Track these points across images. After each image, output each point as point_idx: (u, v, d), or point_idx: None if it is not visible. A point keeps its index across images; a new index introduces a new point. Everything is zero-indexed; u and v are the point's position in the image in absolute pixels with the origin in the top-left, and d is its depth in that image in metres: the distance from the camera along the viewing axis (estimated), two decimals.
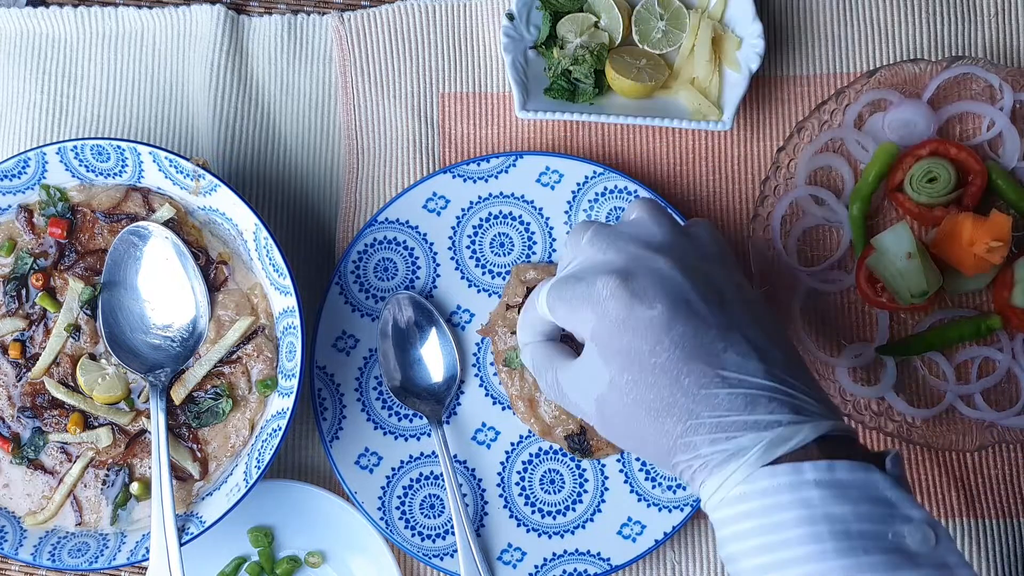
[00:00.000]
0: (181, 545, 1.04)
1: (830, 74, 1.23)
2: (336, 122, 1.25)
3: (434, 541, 1.16)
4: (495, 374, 1.19)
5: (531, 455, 1.19)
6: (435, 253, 1.20)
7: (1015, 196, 1.15)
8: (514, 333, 1.17)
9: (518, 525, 1.17)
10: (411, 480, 1.18)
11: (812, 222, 1.20)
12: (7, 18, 1.26)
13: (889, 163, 1.16)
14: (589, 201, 1.19)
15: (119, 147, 1.11)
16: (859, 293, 1.18)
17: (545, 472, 1.18)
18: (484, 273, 1.20)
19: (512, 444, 1.19)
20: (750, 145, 1.23)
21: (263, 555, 1.18)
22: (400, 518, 1.16)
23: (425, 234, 1.20)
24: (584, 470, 1.18)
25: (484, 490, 1.18)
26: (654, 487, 1.17)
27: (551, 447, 1.19)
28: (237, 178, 1.24)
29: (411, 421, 1.19)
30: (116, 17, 1.26)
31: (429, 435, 1.19)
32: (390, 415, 1.19)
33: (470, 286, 1.20)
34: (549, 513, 1.17)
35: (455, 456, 1.19)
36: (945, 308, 1.19)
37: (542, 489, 1.18)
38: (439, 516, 1.17)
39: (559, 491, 1.18)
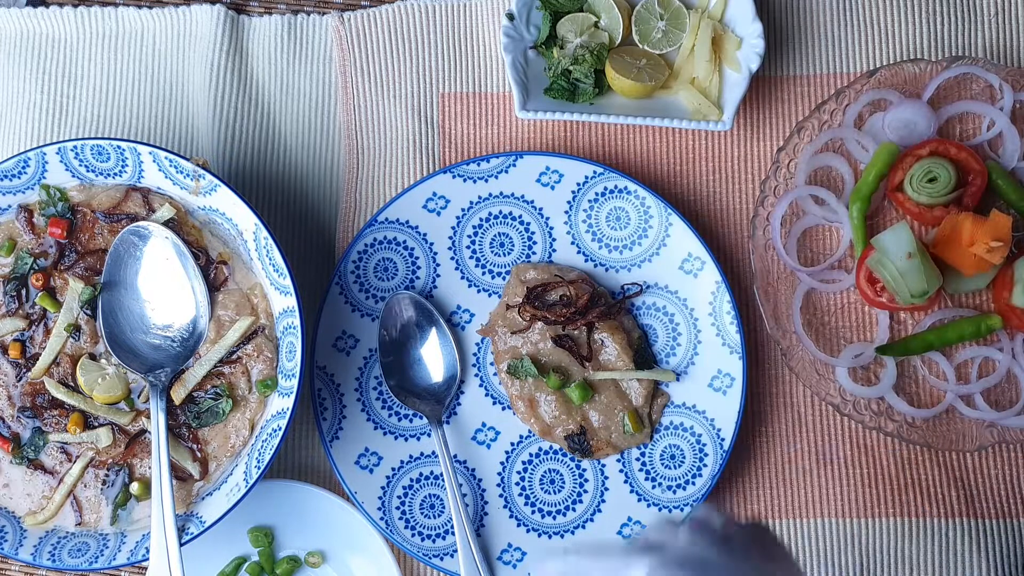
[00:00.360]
0: (181, 545, 1.04)
1: (830, 74, 1.23)
2: (336, 122, 1.25)
3: (434, 541, 1.16)
4: (495, 374, 1.19)
5: (531, 455, 1.19)
6: (435, 253, 1.20)
7: (1015, 196, 1.15)
8: (514, 333, 1.17)
9: (518, 525, 1.17)
10: (411, 480, 1.18)
11: (812, 222, 1.20)
12: (7, 18, 1.26)
13: (889, 163, 1.16)
14: (589, 201, 1.19)
15: (119, 147, 1.10)
16: (859, 293, 1.18)
17: (545, 472, 1.18)
18: (484, 273, 1.20)
19: (512, 444, 1.19)
20: (750, 145, 1.23)
21: (263, 555, 1.18)
22: (400, 518, 1.16)
23: (425, 234, 1.20)
24: (584, 470, 1.18)
25: (484, 490, 1.18)
26: (654, 487, 1.17)
27: (551, 447, 1.19)
28: (237, 178, 1.24)
29: (411, 421, 1.19)
30: (116, 17, 1.26)
31: (429, 435, 1.19)
32: (390, 415, 1.19)
33: (470, 286, 1.20)
34: (549, 513, 1.17)
35: (455, 456, 1.19)
36: (945, 308, 1.19)
37: (542, 489, 1.18)
38: (439, 516, 1.17)
39: (559, 491, 1.18)
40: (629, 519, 1.16)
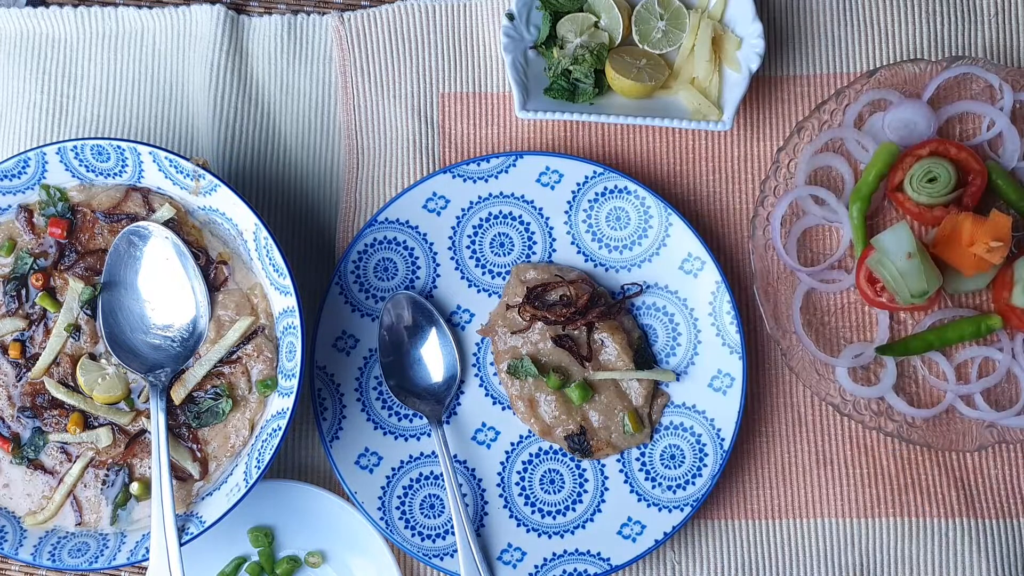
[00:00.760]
0: (181, 545, 1.04)
1: (830, 74, 1.23)
2: (336, 122, 1.25)
3: (434, 541, 1.16)
4: (495, 374, 1.19)
5: (531, 455, 1.19)
6: (435, 253, 1.20)
7: (1015, 196, 1.15)
8: (514, 333, 1.17)
9: (518, 525, 1.17)
10: (411, 480, 1.18)
11: (812, 222, 1.20)
12: (7, 18, 1.26)
13: (889, 163, 1.16)
14: (589, 201, 1.19)
15: (119, 147, 1.10)
16: (859, 293, 1.18)
17: (545, 472, 1.18)
18: (484, 273, 1.20)
19: (512, 444, 1.19)
20: (750, 145, 1.23)
21: (263, 555, 1.18)
22: (400, 518, 1.16)
23: (425, 234, 1.20)
24: (584, 470, 1.18)
25: (484, 490, 1.18)
26: (654, 487, 1.17)
27: (551, 447, 1.19)
28: (237, 178, 1.24)
29: (411, 421, 1.19)
30: (116, 17, 1.26)
31: (429, 435, 1.19)
32: (390, 415, 1.19)
33: (470, 286, 1.20)
34: (549, 513, 1.17)
35: (455, 456, 1.19)
36: (945, 308, 1.19)
37: (542, 489, 1.18)
38: (439, 516, 1.17)
39: (559, 491, 1.18)
40: (629, 519, 1.16)
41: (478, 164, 1.19)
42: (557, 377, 1.16)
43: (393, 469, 1.18)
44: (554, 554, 1.16)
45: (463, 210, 1.20)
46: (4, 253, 1.13)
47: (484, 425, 1.19)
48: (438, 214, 1.20)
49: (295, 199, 1.24)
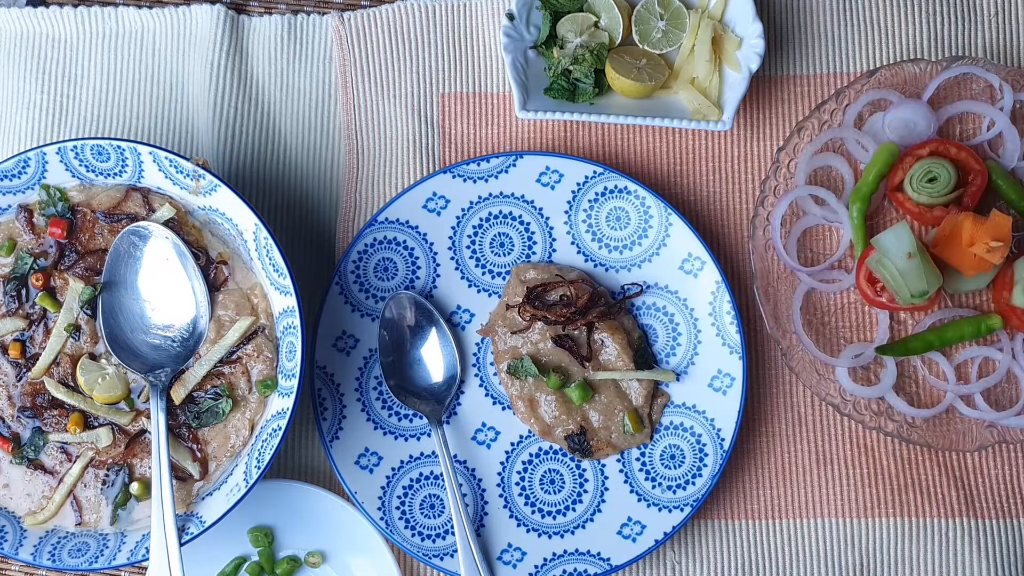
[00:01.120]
0: (181, 545, 1.04)
1: (830, 74, 1.23)
2: (336, 122, 1.25)
3: (434, 541, 1.16)
4: (495, 374, 1.19)
5: (531, 455, 1.19)
6: (435, 253, 1.20)
7: (1015, 196, 1.15)
8: (514, 333, 1.17)
9: (518, 525, 1.17)
10: (411, 480, 1.18)
11: (812, 222, 1.20)
12: (7, 18, 1.26)
13: (889, 163, 1.16)
14: (589, 201, 1.19)
15: (119, 147, 1.10)
16: (859, 293, 1.18)
17: (545, 472, 1.18)
18: (484, 273, 1.20)
19: (512, 444, 1.19)
20: (750, 145, 1.23)
21: (263, 555, 1.18)
22: (400, 518, 1.16)
23: (425, 234, 1.20)
24: (584, 470, 1.18)
25: (484, 490, 1.18)
26: (654, 487, 1.17)
27: (551, 447, 1.19)
28: (237, 178, 1.24)
29: (411, 421, 1.19)
30: (116, 17, 1.26)
31: (429, 435, 1.19)
32: (390, 415, 1.19)
33: (470, 286, 1.20)
34: (549, 513, 1.17)
35: (455, 456, 1.19)
36: (945, 308, 1.19)
37: (542, 489, 1.18)
38: (439, 516, 1.17)
39: (559, 491, 1.18)
40: (629, 519, 1.16)
41: (478, 164, 1.19)
42: (557, 377, 1.16)
43: (393, 469, 1.18)
44: (554, 554, 1.16)
45: (463, 210, 1.20)
46: (4, 253, 1.13)
47: (484, 425, 1.19)
48: (438, 214, 1.20)
49: (295, 199, 1.24)
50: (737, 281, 1.21)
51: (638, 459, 1.17)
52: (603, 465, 1.18)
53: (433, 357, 1.19)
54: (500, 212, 1.20)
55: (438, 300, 1.20)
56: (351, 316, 1.19)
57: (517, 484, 1.18)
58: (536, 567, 1.16)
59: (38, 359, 1.12)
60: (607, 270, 1.20)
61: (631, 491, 1.17)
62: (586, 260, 1.20)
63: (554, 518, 1.17)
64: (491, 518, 1.18)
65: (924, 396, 1.19)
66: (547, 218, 1.20)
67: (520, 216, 1.20)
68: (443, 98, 1.24)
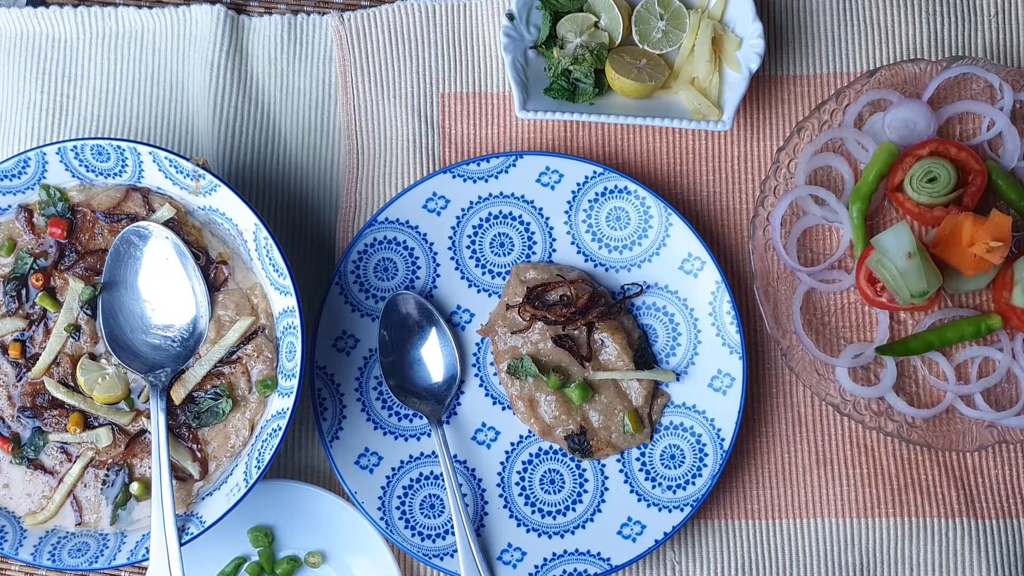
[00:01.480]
0: (181, 545, 1.04)
1: (830, 74, 1.23)
2: (336, 122, 1.25)
3: (434, 541, 1.16)
4: (495, 374, 1.19)
5: (531, 455, 1.19)
6: (435, 253, 1.20)
7: (1015, 196, 1.15)
8: (514, 333, 1.17)
9: (518, 525, 1.17)
10: (411, 480, 1.18)
11: (812, 222, 1.20)
12: (7, 18, 1.26)
13: (889, 163, 1.16)
14: (589, 201, 1.19)
15: (119, 147, 1.10)
16: (859, 293, 1.18)
17: (545, 472, 1.18)
18: (484, 273, 1.20)
19: (512, 444, 1.19)
20: (750, 145, 1.23)
21: (263, 555, 1.18)
22: (400, 518, 1.16)
23: (425, 234, 1.20)
24: (584, 470, 1.18)
25: (484, 490, 1.18)
26: (654, 487, 1.17)
27: (551, 447, 1.19)
28: (237, 178, 1.24)
29: (411, 421, 1.19)
30: (116, 17, 1.26)
31: (429, 435, 1.19)
32: (390, 415, 1.19)
33: (470, 286, 1.20)
34: (549, 513, 1.17)
35: (455, 456, 1.19)
36: (945, 308, 1.19)
37: (542, 489, 1.18)
38: (439, 516, 1.17)
39: (559, 491, 1.18)
40: (629, 519, 1.16)
41: (478, 164, 1.19)
42: (557, 377, 1.16)
43: (393, 469, 1.18)
44: (554, 554, 1.16)
45: (463, 210, 1.20)
46: (4, 253, 1.13)
47: (484, 425, 1.19)
48: (438, 214, 1.20)
49: (295, 199, 1.24)
50: (737, 281, 1.21)
51: (638, 459, 1.17)
52: (603, 465, 1.18)
53: (433, 357, 1.19)
54: (500, 212, 1.20)
55: (438, 300, 1.20)
56: (351, 316, 1.19)
57: (517, 484, 1.18)
58: (536, 567, 1.16)
59: (38, 359, 1.12)
60: (607, 270, 1.20)
61: (631, 491, 1.17)
62: (586, 260, 1.20)
63: (554, 518, 1.17)
64: (491, 518, 1.18)
65: (924, 396, 1.19)
66: (547, 218, 1.20)
67: (520, 216, 1.20)
68: (443, 98, 1.24)
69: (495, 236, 1.20)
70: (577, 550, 1.16)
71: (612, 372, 1.16)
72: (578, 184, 1.19)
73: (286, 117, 1.25)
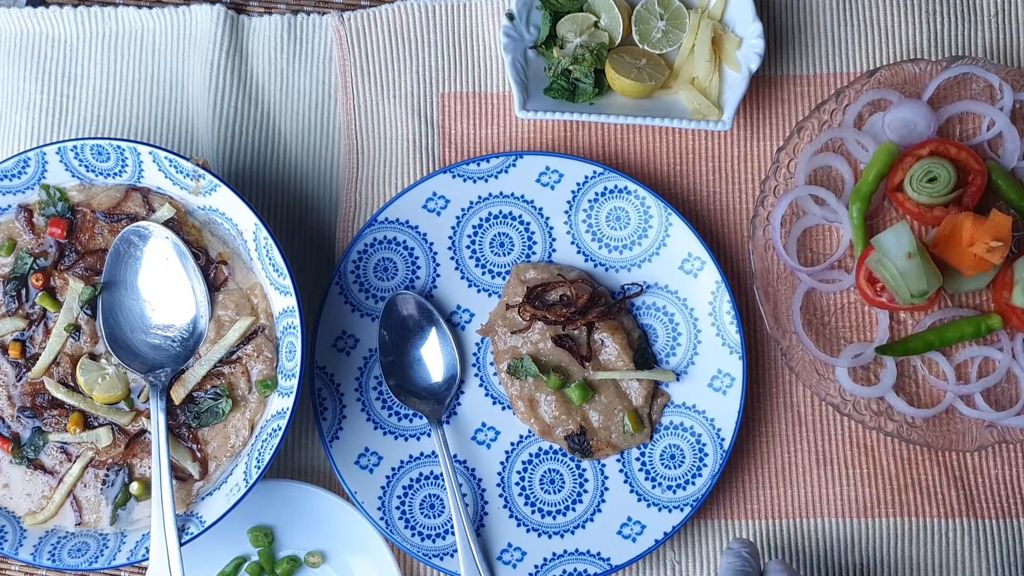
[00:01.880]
0: (181, 545, 1.04)
1: (830, 74, 1.23)
2: (336, 122, 1.25)
3: (434, 541, 1.16)
4: (495, 374, 1.19)
5: (531, 455, 1.18)
6: (435, 253, 1.20)
7: (1015, 196, 1.15)
8: (514, 333, 1.17)
9: (518, 525, 1.17)
10: (411, 480, 1.18)
11: (812, 222, 1.20)
12: (7, 18, 1.26)
13: (889, 163, 1.16)
14: (589, 201, 1.19)
15: (119, 147, 1.10)
16: (859, 293, 1.18)
17: (545, 472, 1.18)
18: (484, 273, 1.20)
19: (512, 444, 1.19)
20: (750, 145, 1.23)
21: (263, 555, 1.18)
22: (400, 518, 1.16)
23: (425, 234, 1.20)
24: (584, 470, 1.18)
25: (484, 490, 1.18)
26: (654, 487, 1.17)
27: (551, 447, 1.19)
28: (237, 178, 1.24)
29: (411, 421, 1.19)
30: (116, 17, 1.26)
31: (429, 435, 1.19)
32: (390, 415, 1.19)
33: (470, 286, 1.20)
34: (549, 513, 1.17)
35: (455, 456, 1.19)
36: (945, 308, 1.19)
37: (542, 489, 1.18)
38: (439, 516, 1.17)
39: (559, 491, 1.18)
40: (629, 519, 1.16)
41: (478, 164, 1.19)
42: (557, 377, 1.16)
43: (393, 469, 1.18)
44: (554, 554, 1.16)
45: (463, 210, 1.20)
46: (4, 253, 1.13)
47: (484, 425, 1.19)
48: (438, 214, 1.20)
49: (295, 199, 1.24)
50: (737, 281, 1.21)
51: (638, 459, 1.17)
52: (603, 465, 1.18)
53: (433, 357, 1.19)
54: (500, 212, 1.20)
55: (438, 300, 1.20)
56: (351, 316, 1.19)
57: (517, 484, 1.18)
58: (536, 567, 1.16)
59: (38, 359, 1.12)
60: (607, 270, 1.20)
61: (631, 491, 1.17)
62: (586, 260, 1.20)
63: (554, 518, 1.17)
64: (491, 518, 1.17)
65: (924, 396, 1.19)
66: (547, 218, 1.20)
67: (520, 216, 1.20)
68: (443, 98, 1.24)
69: (495, 236, 1.20)
70: (577, 550, 1.16)
71: (612, 372, 1.16)
72: (578, 184, 1.19)
73: (286, 117, 1.25)
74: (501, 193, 1.20)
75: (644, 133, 1.23)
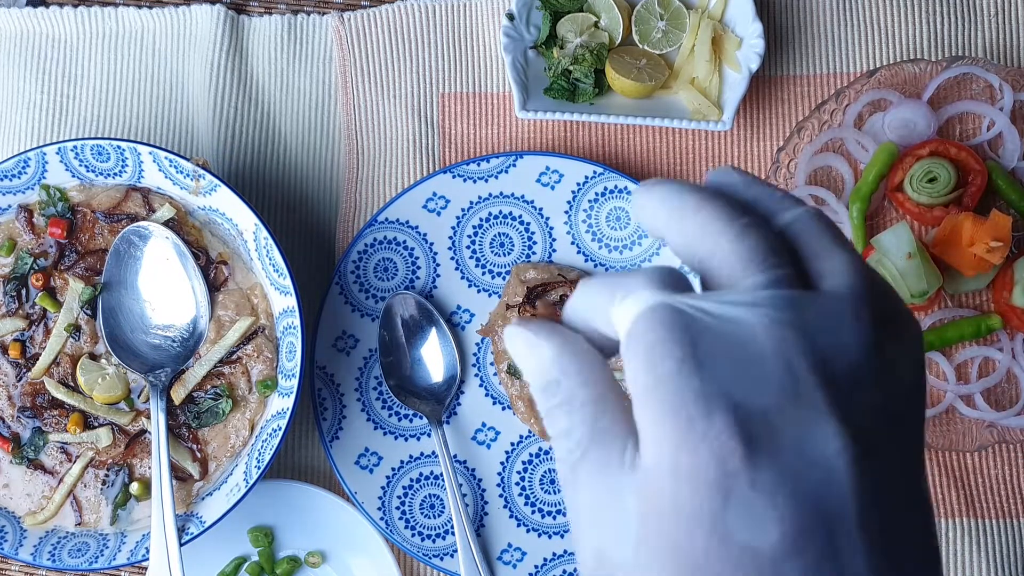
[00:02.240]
0: (181, 545, 1.04)
1: (830, 74, 1.23)
2: (336, 122, 1.25)
3: (434, 541, 1.16)
4: (495, 374, 1.19)
5: (531, 455, 1.19)
6: (435, 253, 1.20)
7: (1015, 196, 1.15)
8: None
9: (518, 525, 1.17)
10: (411, 480, 1.18)
11: None
12: (7, 18, 1.26)
13: (889, 163, 1.16)
14: (589, 201, 1.19)
15: (119, 147, 1.10)
16: None
17: (545, 472, 1.18)
18: (484, 273, 1.20)
19: (512, 444, 1.19)
20: (750, 145, 1.23)
21: (263, 555, 1.18)
22: (400, 518, 1.16)
23: (425, 234, 1.20)
24: None
25: (484, 490, 1.18)
26: None
27: (551, 447, 1.18)
28: (237, 178, 1.24)
29: (411, 421, 1.19)
30: (116, 17, 1.26)
31: (429, 435, 1.19)
32: (390, 415, 1.19)
33: (470, 286, 1.20)
34: (549, 513, 1.17)
35: (455, 456, 1.19)
36: (945, 308, 1.19)
37: (542, 489, 1.18)
38: (439, 516, 1.17)
39: (559, 491, 1.18)
40: None
41: (478, 164, 1.19)
42: None
43: (393, 469, 1.18)
44: (554, 554, 1.16)
45: (463, 210, 1.20)
46: (4, 253, 1.13)
47: (484, 425, 1.19)
48: (438, 214, 1.20)
49: (295, 199, 1.24)
50: None
51: None
52: None
53: (433, 357, 1.19)
54: (500, 212, 1.20)
55: (438, 300, 1.20)
56: (351, 316, 1.19)
57: (517, 484, 1.18)
58: (536, 567, 1.16)
59: (38, 359, 1.12)
60: (607, 270, 1.20)
61: None
62: (586, 260, 1.20)
63: (554, 518, 1.17)
64: (491, 518, 1.18)
65: None
66: (547, 218, 1.20)
67: (520, 216, 1.20)
68: (443, 98, 1.24)
69: (495, 236, 1.20)
70: None
71: (612, 372, 1.16)
72: (578, 184, 1.19)
73: (286, 117, 1.25)
74: (501, 193, 1.20)
75: (644, 133, 1.23)
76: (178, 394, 1.11)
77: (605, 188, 1.19)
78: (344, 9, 1.28)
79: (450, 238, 1.20)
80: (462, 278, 1.20)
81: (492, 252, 1.20)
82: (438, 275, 1.20)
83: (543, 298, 1.17)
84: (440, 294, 1.20)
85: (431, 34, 1.24)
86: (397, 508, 1.17)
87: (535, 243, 1.20)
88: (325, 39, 1.26)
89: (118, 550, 1.08)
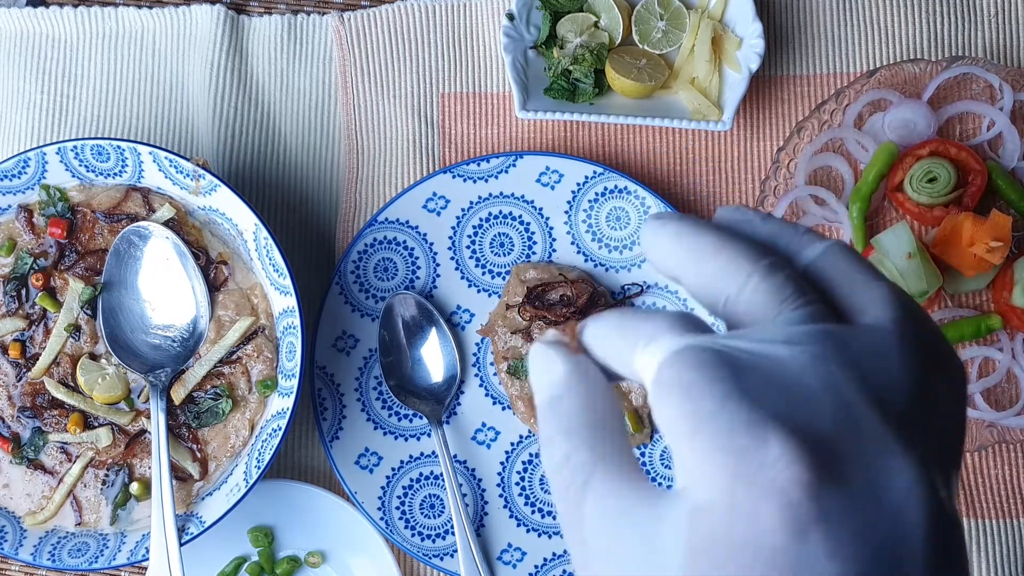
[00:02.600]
0: (181, 545, 1.04)
1: (830, 74, 1.23)
2: (336, 122, 1.25)
3: (434, 541, 1.16)
4: (495, 374, 1.19)
5: (531, 455, 1.19)
6: (435, 253, 1.20)
7: (1015, 196, 1.15)
8: (514, 333, 1.17)
9: (518, 525, 1.17)
10: (411, 480, 1.18)
11: (812, 222, 1.20)
12: (7, 18, 1.26)
13: (889, 163, 1.16)
14: (589, 201, 1.19)
15: (119, 147, 1.10)
16: None
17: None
18: (484, 273, 1.20)
19: (512, 444, 1.19)
20: (750, 145, 1.23)
21: (263, 555, 1.18)
22: (400, 518, 1.16)
23: (425, 234, 1.20)
24: None
25: (484, 490, 1.18)
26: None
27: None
28: (237, 178, 1.24)
29: (411, 421, 1.19)
30: (116, 17, 1.26)
31: (429, 435, 1.19)
32: (390, 415, 1.19)
33: (470, 286, 1.20)
34: (549, 513, 1.17)
35: (455, 456, 1.19)
36: (945, 308, 1.19)
37: (542, 489, 1.18)
38: (439, 516, 1.17)
39: None
40: None
41: (478, 164, 1.19)
42: None
43: (393, 469, 1.18)
44: (554, 554, 1.16)
45: (463, 210, 1.20)
46: (4, 253, 1.13)
47: (484, 425, 1.19)
48: (438, 214, 1.20)
49: (295, 199, 1.24)
50: None
51: (638, 459, 1.17)
52: None
53: (433, 357, 1.19)
54: (500, 212, 1.20)
55: (438, 300, 1.20)
56: (351, 316, 1.19)
57: (517, 484, 1.18)
58: (536, 567, 1.16)
59: (38, 359, 1.12)
60: (607, 270, 1.20)
61: None
62: (586, 260, 1.20)
63: (554, 518, 1.17)
64: (491, 518, 1.18)
65: None
66: (547, 218, 1.20)
67: (520, 216, 1.20)
68: (443, 98, 1.24)
69: (495, 236, 1.20)
70: None
71: None
72: (578, 184, 1.19)
73: (286, 117, 1.25)
74: (501, 193, 1.20)
75: (644, 133, 1.23)
76: (178, 394, 1.11)
77: (605, 188, 1.19)
78: (344, 9, 1.28)
79: (450, 238, 1.20)
80: (462, 278, 1.20)
81: (492, 252, 1.20)
82: (438, 275, 1.20)
83: (543, 298, 1.17)
84: (440, 294, 1.20)
85: (431, 34, 1.24)
86: (397, 508, 1.17)
87: (535, 243, 1.20)
88: (325, 39, 1.26)
89: (118, 550, 1.08)
